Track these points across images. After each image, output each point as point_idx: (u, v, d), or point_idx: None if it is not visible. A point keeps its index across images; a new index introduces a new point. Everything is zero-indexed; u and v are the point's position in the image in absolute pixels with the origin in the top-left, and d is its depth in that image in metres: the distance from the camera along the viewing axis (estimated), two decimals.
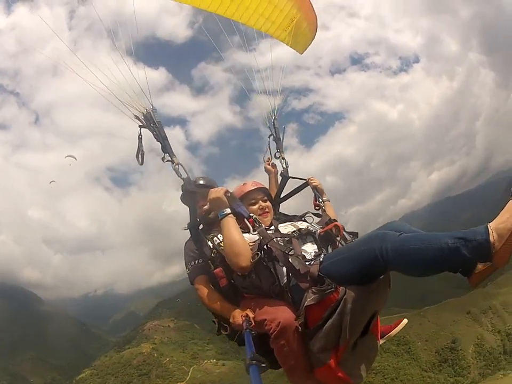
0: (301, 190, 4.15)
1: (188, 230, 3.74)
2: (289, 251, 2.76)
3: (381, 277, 2.52)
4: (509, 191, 2.08)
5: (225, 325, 3.23)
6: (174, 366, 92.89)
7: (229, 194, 3.11)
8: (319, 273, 2.60)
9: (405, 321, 3.29)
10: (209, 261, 3.43)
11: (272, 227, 3.30)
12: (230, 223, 2.95)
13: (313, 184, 3.95)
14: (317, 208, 3.81)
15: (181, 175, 3.46)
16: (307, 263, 2.75)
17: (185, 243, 3.71)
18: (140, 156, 3.60)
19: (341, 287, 2.51)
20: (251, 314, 2.81)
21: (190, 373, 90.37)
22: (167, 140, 3.56)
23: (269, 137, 4.53)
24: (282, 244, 2.92)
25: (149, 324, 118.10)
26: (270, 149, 4.52)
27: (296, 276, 2.66)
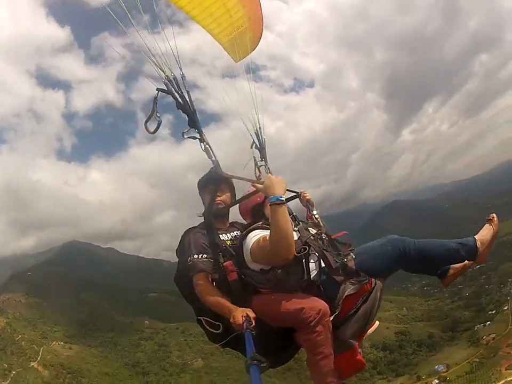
0: (291, 200, 3.75)
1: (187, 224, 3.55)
2: (326, 248, 3.03)
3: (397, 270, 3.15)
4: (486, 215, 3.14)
5: (217, 323, 3.09)
6: (26, 344, 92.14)
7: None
8: (355, 268, 2.93)
9: (377, 323, 3.18)
10: (220, 254, 3.25)
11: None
12: (286, 212, 2.80)
13: (306, 198, 3.84)
14: (310, 221, 3.68)
15: (212, 156, 3.26)
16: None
17: (190, 232, 3.39)
18: (154, 125, 3.16)
19: (372, 279, 2.93)
20: (251, 314, 2.78)
21: (40, 353, 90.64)
22: (196, 113, 3.25)
23: (251, 146, 4.24)
24: (318, 242, 3.09)
25: (2, 297, 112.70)
26: (254, 158, 4.21)
27: (331, 270, 2.89)
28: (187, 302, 3.43)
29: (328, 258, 2.91)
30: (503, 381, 59.27)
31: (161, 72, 3.22)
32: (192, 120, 3.22)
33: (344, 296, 2.82)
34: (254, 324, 2.68)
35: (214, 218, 3.44)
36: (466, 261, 3.14)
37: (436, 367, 75.68)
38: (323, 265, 2.95)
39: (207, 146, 3.25)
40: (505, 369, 62.42)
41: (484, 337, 77.05)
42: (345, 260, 2.98)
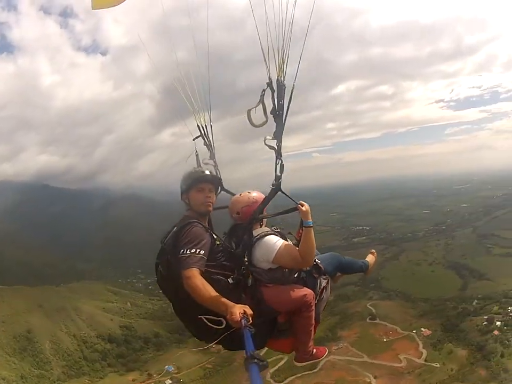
0: (287, 213, 3.68)
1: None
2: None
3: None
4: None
5: (218, 319, 3.05)
6: None
7: None
8: (323, 269, 4.09)
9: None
10: (218, 252, 3.48)
11: None
12: (313, 233, 3.61)
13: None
14: (298, 239, 3.71)
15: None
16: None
17: (190, 225, 3.43)
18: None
19: (328, 277, 4.17)
20: (249, 311, 2.84)
21: None
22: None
23: (194, 139, 4.41)
24: None
25: None
26: (197, 155, 4.29)
27: (319, 271, 4.00)
28: (172, 298, 3.63)
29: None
30: None
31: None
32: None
33: (323, 286, 3.99)
34: (251, 321, 2.78)
35: (200, 216, 3.71)
36: (364, 272, 4.78)
37: (166, 367, 72.93)
38: None
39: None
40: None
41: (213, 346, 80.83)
42: (318, 263, 4.04)
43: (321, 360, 4.34)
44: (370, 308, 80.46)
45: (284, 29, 3.43)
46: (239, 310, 2.81)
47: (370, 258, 4.93)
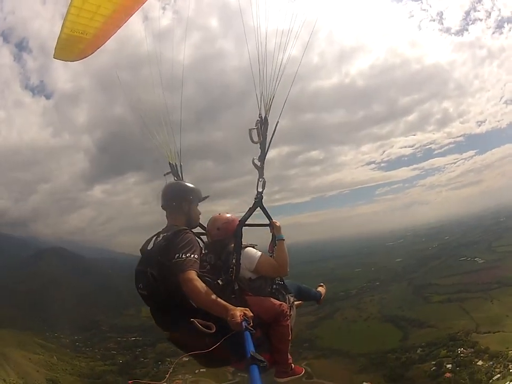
0: (263, 226, 4.50)
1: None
2: None
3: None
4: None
5: (209, 323, 2.98)
6: None
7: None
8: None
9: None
10: (205, 261, 3.79)
11: None
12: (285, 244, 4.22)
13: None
14: (270, 252, 4.49)
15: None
16: None
17: (184, 232, 3.56)
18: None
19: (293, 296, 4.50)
20: (249, 314, 2.91)
21: None
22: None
23: (164, 174, 4.79)
24: None
25: None
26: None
27: (285, 289, 4.36)
28: (161, 301, 3.48)
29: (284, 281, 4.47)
30: None
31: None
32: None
33: (293, 301, 4.43)
34: (251, 323, 2.84)
35: (189, 228, 3.78)
36: (317, 300, 5.30)
37: None
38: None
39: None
40: None
41: None
42: (285, 283, 4.46)
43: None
44: (306, 367, 75.08)
45: (270, 84, 4.22)
46: (239, 313, 2.86)
47: (321, 289, 5.41)
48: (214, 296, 3.12)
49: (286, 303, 4.15)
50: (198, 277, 3.22)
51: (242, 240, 3.99)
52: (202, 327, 2.91)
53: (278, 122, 4.30)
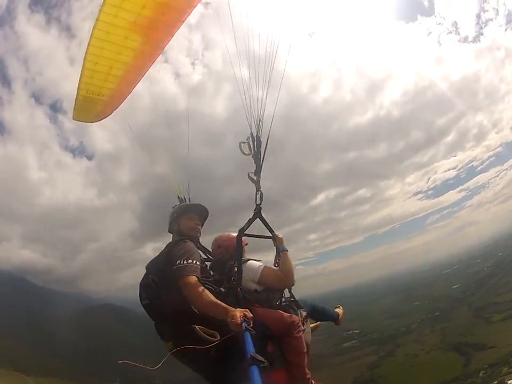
0: (265, 238, 4.33)
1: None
2: None
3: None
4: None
5: (212, 331, 3.01)
6: None
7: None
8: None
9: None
10: (207, 271, 3.77)
11: None
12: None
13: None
14: (276, 265, 4.22)
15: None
16: None
17: (184, 241, 3.64)
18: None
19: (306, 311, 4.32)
20: (249, 315, 2.91)
21: None
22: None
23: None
24: None
25: None
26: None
27: (297, 305, 4.22)
28: (162, 309, 3.44)
29: (292, 293, 4.28)
30: None
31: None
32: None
33: (305, 315, 4.19)
34: (251, 324, 2.81)
35: (192, 241, 3.82)
36: (335, 321, 5.10)
37: None
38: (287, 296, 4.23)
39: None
40: None
41: None
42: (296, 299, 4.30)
43: None
44: None
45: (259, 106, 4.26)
46: (239, 314, 2.85)
47: (338, 310, 5.30)
48: (214, 299, 3.14)
49: (298, 316, 3.98)
50: (199, 282, 3.27)
51: (245, 253, 4.14)
52: (205, 335, 2.99)
53: (268, 136, 4.30)
